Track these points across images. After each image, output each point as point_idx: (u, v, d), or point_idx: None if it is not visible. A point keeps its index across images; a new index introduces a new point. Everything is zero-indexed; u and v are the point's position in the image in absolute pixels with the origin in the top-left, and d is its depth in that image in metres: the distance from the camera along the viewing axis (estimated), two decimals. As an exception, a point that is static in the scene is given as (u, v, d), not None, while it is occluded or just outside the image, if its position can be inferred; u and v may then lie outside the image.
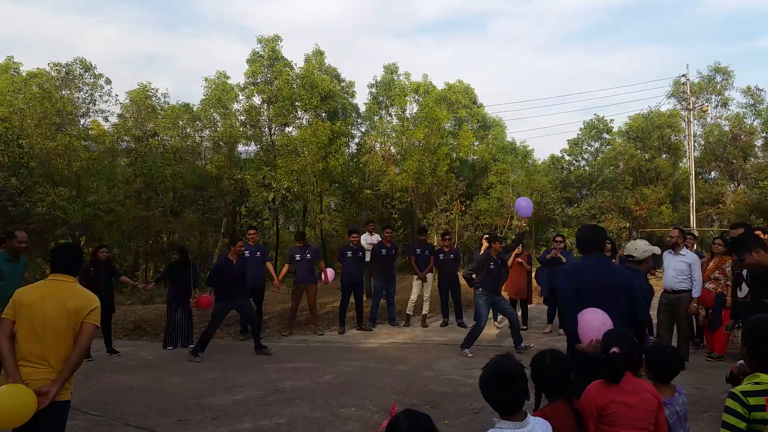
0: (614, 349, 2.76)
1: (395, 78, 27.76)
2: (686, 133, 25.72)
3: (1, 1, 47.77)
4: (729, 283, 7.15)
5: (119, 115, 24.27)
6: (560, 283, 3.87)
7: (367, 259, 10.57)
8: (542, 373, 2.76)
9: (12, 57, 24.90)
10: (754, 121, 27.06)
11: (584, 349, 3.38)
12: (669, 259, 7.24)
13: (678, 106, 27.58)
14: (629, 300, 3.66)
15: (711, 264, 7.63)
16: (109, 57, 58.83)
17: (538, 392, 2.81)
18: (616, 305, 3.54)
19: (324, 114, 24.69)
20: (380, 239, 10.90)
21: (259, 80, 24.69)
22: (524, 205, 8.70)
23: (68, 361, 3.29)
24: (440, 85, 29.18)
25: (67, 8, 66.90)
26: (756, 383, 2.31)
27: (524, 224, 9.86)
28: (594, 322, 3.36)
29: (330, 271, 10.30)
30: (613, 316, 3.43)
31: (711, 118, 27.84)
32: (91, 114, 23.92)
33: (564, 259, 9.48)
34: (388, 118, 27.55)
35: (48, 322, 3.26)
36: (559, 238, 10.00)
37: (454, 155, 25.44)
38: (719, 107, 27.83)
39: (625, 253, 5.02)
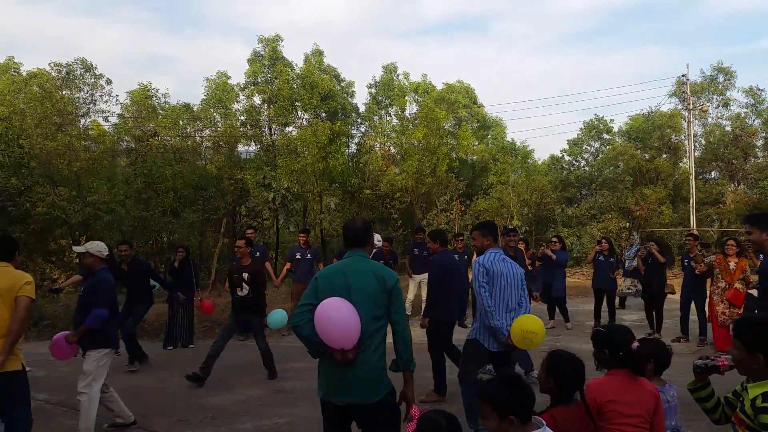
0: (636, 344, 2.72)
1: (394, 78, 27.75)
2: (687, 133, 25.69)
3: (7, 3, 47.74)
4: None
5: (119, 115, 24.24)
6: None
7: None
8: (560, 373, 2.64)
9: (12, 57, 24.91)
10: (754, 121, 27.05)
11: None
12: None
13: (679, 106, 27.56)
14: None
15: (735, 264, 7.68)
16: (113, 58, 58.82)
17: (559, 393, 2.68)
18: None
19: (324, 114, 24.70)
20: (381, 239, 10.88)
21: (259, 80, 24.70)
22: None
23: (8, 332, 3.67)
24: (440, 86, 29.19)
25: (73, 9, 66.84)
26: None
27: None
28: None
29: None
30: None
31: (712, 119, 27.84)
32: (91, 114, 23.86)
33: (554, 257, 9.82)
34: (388, 118, 27.56)
35: None
36: (554, 239, 10.31)
37: (454, 155, 25.43)
38: (720, 107, 27.83)
39: None
